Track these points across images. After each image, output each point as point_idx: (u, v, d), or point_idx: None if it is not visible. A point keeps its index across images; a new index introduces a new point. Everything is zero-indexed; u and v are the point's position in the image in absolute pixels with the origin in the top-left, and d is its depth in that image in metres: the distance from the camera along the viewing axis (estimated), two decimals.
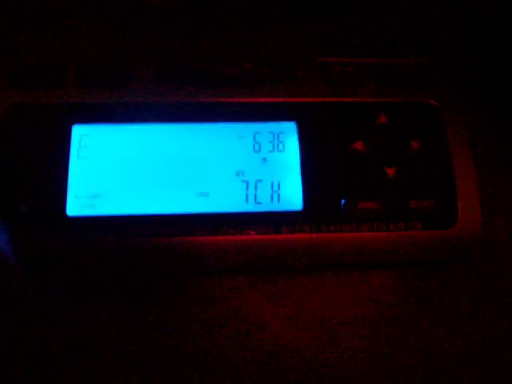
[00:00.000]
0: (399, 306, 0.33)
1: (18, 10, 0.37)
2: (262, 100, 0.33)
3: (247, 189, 0.32)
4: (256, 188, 0.32)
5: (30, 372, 0.30)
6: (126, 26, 0.37)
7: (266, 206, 0.32)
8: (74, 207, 0.31)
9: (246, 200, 0.32)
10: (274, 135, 0.33)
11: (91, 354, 0.30)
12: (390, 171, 0.32)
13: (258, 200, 0.32)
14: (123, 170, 0.32)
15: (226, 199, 0.32)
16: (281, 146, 0.33)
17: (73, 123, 0.33)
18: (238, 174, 0.32)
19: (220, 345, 0.31)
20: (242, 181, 0.32)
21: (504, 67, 0.37)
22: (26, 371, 0.29)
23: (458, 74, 0.37)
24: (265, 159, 0.33)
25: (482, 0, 0.39)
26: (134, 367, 0.30)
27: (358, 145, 0.33)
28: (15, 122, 0.32)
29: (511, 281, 0.34)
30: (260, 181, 0.32)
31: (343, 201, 0.32)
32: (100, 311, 0.31)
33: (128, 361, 0.30)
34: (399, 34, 0.38)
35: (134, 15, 0.37)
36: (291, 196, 0.32)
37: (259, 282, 0.33)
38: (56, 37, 0.36)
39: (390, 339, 0.32)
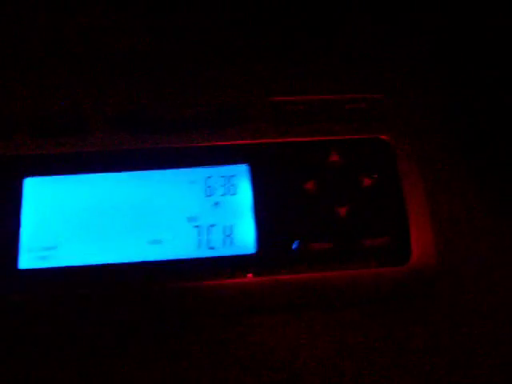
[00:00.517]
0: (361, 344, 0.33)
1: None
2: (214, 143, 0.33)
3: (199, 234, 0.32)
4: (208, 233, 0.32)
5: None
6: (78, 73, 0.37)
7: (219, 250, 0.32)
8: (26, 260, 0.31)
9: (199, 245, 0.32)
10: (226, 178, 0.33)
11: None
12: (342, 210, 0.32)
13: (210, 245, 0.32)
14: (76, 220, 0.32)
15: (179, 245, 0.32)
16: (233, 189, 0.33)
17: (24, 176, 0.33)
18: (190, 219, 0.32)
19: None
20: (195, 226, 0.32)
21: (457, 100, 0.38)
22: None
23: (409, 108, 0.37)
24: (217, 203, 0.33)
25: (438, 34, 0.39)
26: None
27: (310, 185, 0.33)
28: None
29: (473, 310, 0.34)
30: (213, 225, 0.32)
31: (296, 242, 0.32)
32: (48, 365, 0.31)
33: None
34: (352, 68, 0.39)
35: (87, 63, 0.38)
36: (244, 239, 0.32)
37: (215, 328, 0.33)
38: (6, 85, 0.36)
39: (353, 378, 0.32)
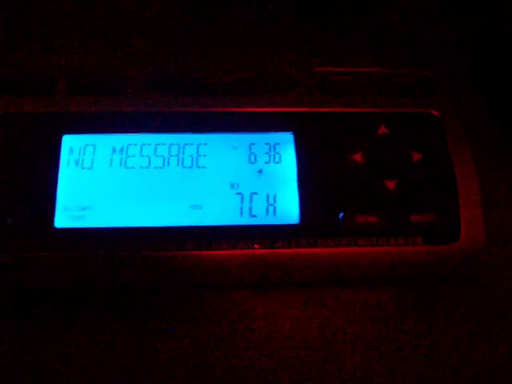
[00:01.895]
0: (398, 324, 0.32)
1: (7, 16, 0.36)
2: (259, 110, 0.32)
3: (242, 201, 0.31)
4: (251, 201, 0.31)
5: None
6: (120, 33, 0.36)
7: (262, 219, 0.31)
8: (63, 219, 0.30)
9: (241, 213, 0.31)
10: (270, 146, 0.32)
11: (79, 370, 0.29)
12: (390, 184, 0.31)
13: (252, 213, 0.31)
14: (114, 181, 0.31)
15: (220, 212, 0.31)
16: (277, 158, 0.32)
17: (63, 133, 0.32)
18: (232, 186, 0.31)
19: (212, 363, 0.30)
20: (237, 193, 0.31)
21: (505, 75, 0.36)
22: None
23: (460, 83, 0.36)
24: (260, 171, 0.32)
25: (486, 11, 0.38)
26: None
27: (358, 156, 0.32)
28: (4, 131, 0.31)
29: None
30: (255, 193, 0.31)
31: (341, 214, 0.31)
32: (85, 326, 0.30)
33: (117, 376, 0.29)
34: (400, 44, 0.37)
35: (129, 23, 0.36)
36: (288, 209, 0.31)
37: (254, 298, 0.32)
38: (47, 44, 0.35)
39: (388, 357, 0.31)
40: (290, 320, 0.31)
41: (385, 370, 0.30)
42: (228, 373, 0.30)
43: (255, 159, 0.32)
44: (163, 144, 0.32)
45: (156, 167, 0.31)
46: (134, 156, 0.32)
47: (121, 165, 0.31)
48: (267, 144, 0.32)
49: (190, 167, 0.31)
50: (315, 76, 0.34)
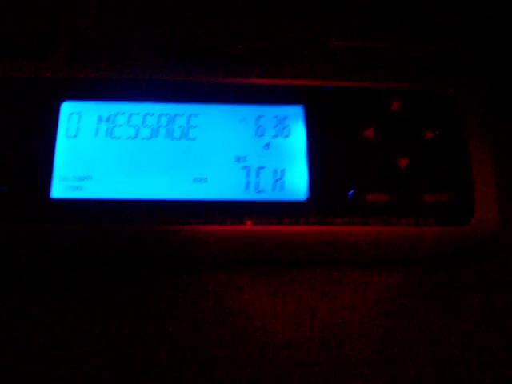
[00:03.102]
0: (404, 306, 0.31)
1: None
2: (268, 82, 0.31)
3: (248, 176, 0.30)
4: (258, 175, 0.30)
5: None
6: None
7: (268, 194, 0.29)
8: (59, 189, 0.29)
9: (247, 187, 0.29)
10: (278, 119, 0.31)
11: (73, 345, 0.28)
12: (402, 162, 0.30)
13: (259, 188, 0.30)
14: (114, 151, 0.30)
15: (225, 186, 0.29)
16: (286, 132, 0.31)
17: (62, 99, 0.30)
18: (238, 159, 0.30)
19: (214, 342, 0.29)
20: (243, 167, 0.30)
21: None
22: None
23: (476, 62, 0.34)
24: (268, 145, 0.30)
25: None
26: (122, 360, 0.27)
27: (369, 132, 0.30)
28: (0, 96, 0.30)
29: None
30: (262, 168, 0.30)
31: (351, 191, 0.29)
32: (79, 298, 0.28)
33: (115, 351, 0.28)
34: (417, 21, 0.36)
35: None
36: (296, 185, 0.30)
37: (258, 278, 0.31)
38: (46, 5, 0.33)
39: (394, 339, 0.30)
40: (295, 300, 0.30)
41: (393, 353, 0.29)
42: (234, 351, 0.29)
43: (263, 132, 0.30)
44: (167, 113, 0.30)
45: (158, 137, 0.30)
46: (136, 125, 0.30)
47: (122, 134, 0.30)
48: (275, 117, 0.31)
49: (194, 139, 0.30)
50: (329, 49, 0.32)
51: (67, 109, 0.30)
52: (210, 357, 0.28)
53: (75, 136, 0.30)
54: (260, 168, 0.30)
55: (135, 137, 0.30)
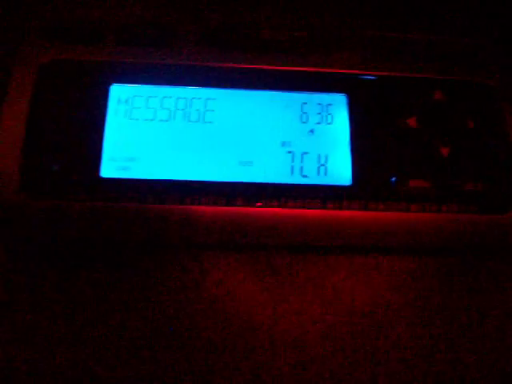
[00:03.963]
0: (442, 294, 0.31)
1: None
2: (313, 69, 0.32)
3: (293, 160, 0.30)
4: (302, 160, 0.30)
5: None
6: None
7: (313, 179, 0.30)
8: (109, 169, 0.30)
9: (292, 172, 0.30)
10: (322, 106, 0.31)
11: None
12: (444, 150, 0.31)
13: (303, 173, 0.30)
14: (162, 133, 0.30)
15: (270, 170, 0.30)
16: (329, 118, 0.31)
17: (111, 82, 0.31)
18: (283, 144, 0.30)
19: (253, 326, 0.29)
20: (288, 152, 0.30)
21: None
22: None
23: None
24: (312, 131, 0.31)
25: None
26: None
27: (412, 120, 0.31)
28: (52, 78, 0.31)
29: None
30: (306, 153, 0.30)
31: (394, 178, 0.30)
32: (127, 275, 0.29)
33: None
34: (460, 12, 0.36)
35: None
36: (339, 170, 0.30)
37: (297, 263, 0.31)
38: None
39: (430, 328, 0.30)
40: (333, 286, 0.31)
41: (424, 339, 0.30)
42: (270, 335, 0.29)
43: (307, 119, 0.31)
44: (214, 98, 0.31)
45: (206, 121, 0.31)
46: (183, 109, 0.31)
47: (169, 117, 0.31)
48: (319, 104, 0.31)
49: (240, 123, 0.31)
50: (372, 39, 0.33)
51: (116, 91, 0.31)
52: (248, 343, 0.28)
53: (124, 118, 0.31)
54: (304, 153, 0.30)
55: (182, 120, 0.31)
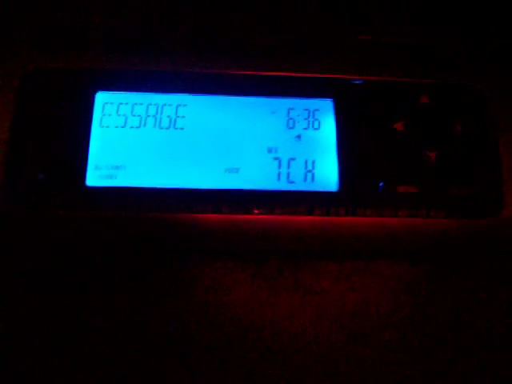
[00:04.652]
0: (431, 298, 0.31)
1: None
2: (299, 75, 0.31)
3: (279, 166, 0.30)
4: (289, 166, 0.30)
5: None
6: None
7: (299, 185, 0.30)
8: (94, 177, 0.30)
9: (278, 178, 0.30)
10: (309, 112, 0.31)
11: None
12: (432, 155, 0.30)
13: (290, 179, 0.30)
14: (148, 140, 0.30)
15: (257, 176, 0.30)
16: (316, 124, 0.31)
17: (97, 90, 0.31)
18: (270, 150, 0.30)
19: (248, 327, 0.29)
20: (274, 158, 0.30)
21: None
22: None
23: (504, 58, 0.35)
24: (299, 136, 0.31)
25: None
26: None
27: (399, 125, 0.31)
28: (36, 86, 0.31)
29: None
30: (293, 159, 0.30)
31: (381, 183, 0.30)
32: (113, 284, 0.29)
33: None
34: (446, 17, 0.36)
35: None
36: (326, 176, 0.30)
37: (285, 270, 0.31)
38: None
39: (421, 333, 0.30)
40: (322, 291, 0.31)
41: (414, 343, 0.30)
42: (261, 341, 0.29)
43: (293, 124, 0.31)
44: (200, 105, 0.31)
45: (191, 128, 0.30)
46: (169, 116, 0.31)
47: (155, 124, 0.30)
48: (306, 110, 0.31)
49: (225, 129, 0.30)
50: (358, 44, 0.33)
51: (101, 99, 0.31)
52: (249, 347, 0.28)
53: (109, 126, 0.30)
54: (291, 159, 0.30)
55: (168, 127, 0.30)
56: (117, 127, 0.30)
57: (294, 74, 0.32)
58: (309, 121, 0.31)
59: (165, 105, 0.31)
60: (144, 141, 0.30)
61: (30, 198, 0.29)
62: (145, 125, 0.30)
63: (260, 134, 0.31)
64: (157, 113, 0.31)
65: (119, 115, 0.31)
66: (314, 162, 0.30)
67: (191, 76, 0.31)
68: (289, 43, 0.32)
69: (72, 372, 0.26)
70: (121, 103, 0.31)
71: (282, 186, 0.30)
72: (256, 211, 0.29)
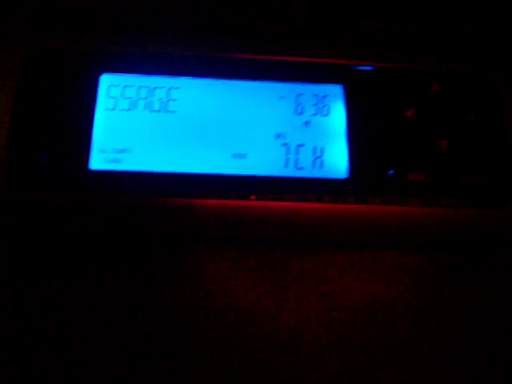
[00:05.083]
0: (439, 288, 0.30)
1: None
2: (308, 60, 0.31)
3: (287, 153, 0.29)
4: (297, 152, 0.29)
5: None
6: None
7: (308, 171, 0.29)
8: (98, 161, 0.29)
9: (286, 164, 0.29)
10: (318, 98, 0.30)
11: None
12: (443, 143, 0.30)
13: (298, 165, 0.29)
14: (153, 124, 0.30)
15: (264, 162, 0.29)
16: (325, 110, 0.30)
17: (101, 72, 0.30)
18: (277, 136, 0.30)
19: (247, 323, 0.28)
20: (282, 144, 0.30)
21: None
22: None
23: None
24: (307, 122, 0.30)
25: None
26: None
27: (410, 112, 0.30)
28: (40, 68, 0.30)
29: None
30: (302, 145, 0.30)
31: (391, 171, 0.29)
32: (115, 269, 0.28)
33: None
34: (460, 4, 0.35)
35: None
36: (335, 163, 0.29)
37: (293, 258, 0.30)
38: None
39: (428, 323, 0.29)
40: (329, 280, 0.30)
41: (423, 333, 0.29)
42: (266, 330, 0.28)
43: (302, 110, 0.30)
44: (206, 89, 0.30)
45: (198, 112, 0.30)
46: (175, 99, 0.30)
47: (161, 108, 0.30)
48: (315, 96, 0.30)
49: (232, 114, 0.30)
50: (369, 31, 0.32)
51: (106, 81, 0.30)
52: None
53: (113, 109, 0.30)
54: (299, 145, 0.30)
55: (174, 111, 0.30)
56: (122, 110, 0.30)
57: (303, 59, 0.31)
58: (318, 107, 0.30)
59: (171, 88, 0.30)
60: (149, 124, 0.29)
61: (33, 181, 0.28)
62: (150, 108, 0.30)
63: (268, 119, 0.30)
64: (162, 96, 0.30)
65: (123, 98, 0.30)
66: (322, 149, 0.30)
67: (197, 59, 0.30)
68: (298, 27, 0.31)
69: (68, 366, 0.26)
70: (125, 86, 0.30)
71: (290, 172, 0.29)
72: (252, 197, 0.28)
